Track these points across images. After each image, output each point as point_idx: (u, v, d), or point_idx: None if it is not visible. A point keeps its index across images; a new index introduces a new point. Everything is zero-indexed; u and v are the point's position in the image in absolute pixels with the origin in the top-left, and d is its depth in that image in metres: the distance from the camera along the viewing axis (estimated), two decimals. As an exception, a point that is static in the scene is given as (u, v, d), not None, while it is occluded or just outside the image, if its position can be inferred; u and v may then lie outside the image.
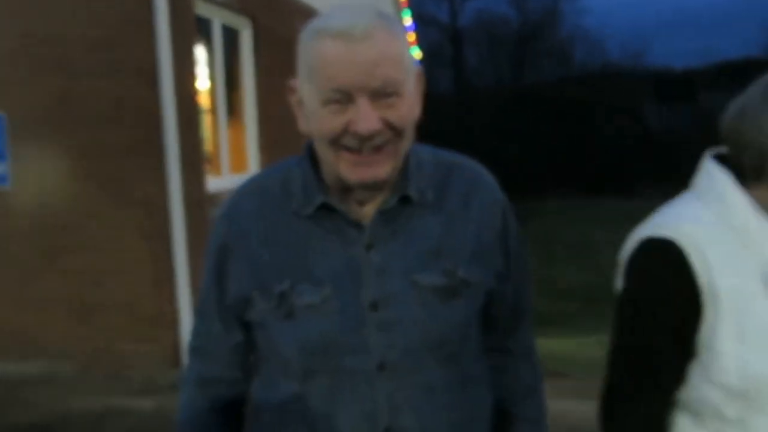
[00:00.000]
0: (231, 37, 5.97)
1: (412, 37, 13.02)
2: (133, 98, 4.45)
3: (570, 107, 22.44)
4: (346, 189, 1.09)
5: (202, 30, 5.38)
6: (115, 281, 4.57)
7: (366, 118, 0.99)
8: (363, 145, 1.01)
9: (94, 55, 4.44)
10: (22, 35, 4.56)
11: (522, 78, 25.56)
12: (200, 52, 5.37)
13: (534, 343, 1.32)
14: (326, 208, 1.10)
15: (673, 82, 24.46)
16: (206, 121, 5.58)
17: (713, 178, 1.12)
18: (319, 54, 1.00)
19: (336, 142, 1.02)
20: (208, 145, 5.59)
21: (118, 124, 4.47)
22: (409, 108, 1.05)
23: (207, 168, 5.36)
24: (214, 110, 5.71)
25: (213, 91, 5.70)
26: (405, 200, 1.10)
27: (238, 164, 6.09)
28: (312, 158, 1.13)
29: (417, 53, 13.40)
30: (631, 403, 1.12)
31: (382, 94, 1.00)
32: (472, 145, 21.88)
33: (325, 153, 1.05)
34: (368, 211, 1.10)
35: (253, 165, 6.18)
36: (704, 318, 1.06)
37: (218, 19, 5.65)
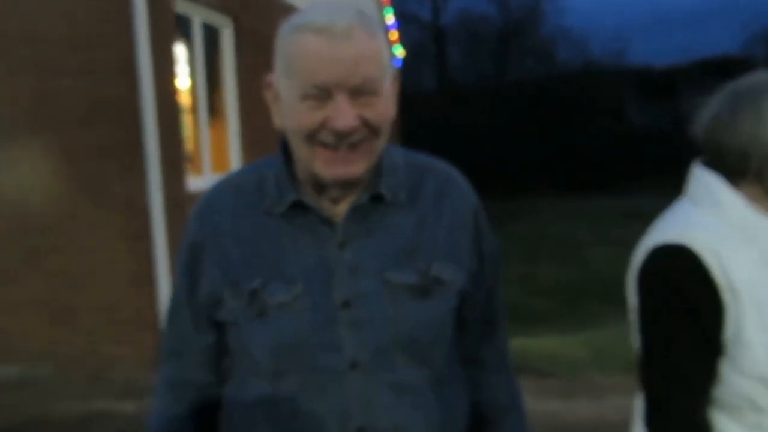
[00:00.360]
0: (212, 35, 5.92)
1: (394, 35, 12.99)
2: (112, 98, 4.40)
3: (552, 105, 22.54)
4: (319, 186, 1.08)
5: (182, 28, 5.32)
6: (95, 283, 4.52)
7: (344, 114, 0.99)
8: (339, 141, 1.01)
9: (72, 55, 4.38)
10: (0, 35, 4.48)
11: (505, 76, 25.64)
12: (180, 51, 5.31)
13: (510, 356, 1.29)
14: (299, 206, 1.09)
15: (654, 80, 24.65)
16: (187, 120, 5.52)
17: (706, 184, 1.20)
18: (299, 49, 1.00)
19: (312, 137, 1.02)
20: (189, 145, 5.54)
21: (97, 123, 4.41)
22: (385, 107, 1.05)
23: (188, 168, 5.31)
24: (195, 109, 5.66)
25: (194, 90, 5.64)
26: (377, 199, 1.10)
27: (220, 164, 6.03)
28: (286, 156, 1.13)
29: (400, 51, 13.38)
30: (669, 409, 1.15)
31: (360, 92, 1.00)
32: (455, 142, 21.92)
33: (300, 149, 1.05)
34: (341, 210, 1.10)
35: (234, 164, 6.14)
36: (727, 314, 1.11)
37: (199, 17, 5.60)
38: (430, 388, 1.11)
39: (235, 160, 6.17)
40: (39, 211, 4.56)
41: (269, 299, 1.07)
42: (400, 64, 13.77)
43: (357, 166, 1.04)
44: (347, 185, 1.07)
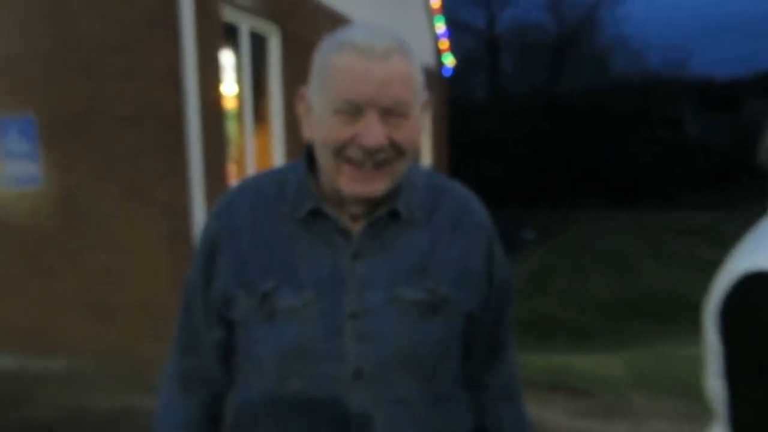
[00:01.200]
0: (259, 43, 6.01)
1: (445, 44, 12.95)
2: (157, 102, 4.50)
3: (607, 117, 22.09)
4: (340, 200, 1.11)
5: (229, 36, 5.42)
6: (135, 282, 4.62)
7: (373, 132, 1.01)
8: (366, 159, 1.04)
9: (119, 59, 4.50)
10: (50, 38, 4.64)
11: (559, 86, 25.27)
12: (227, 58, 5.41)
13: (517, 382, 1.29)
14: (317, 214, 1.12)
15: (715, 91, 23.88)
16: (233, 125, 5.62)
17: None
18: (337, 65, 1.03)
19: (340, 153, 1.04)
20: (234, 150, 5.63)
21: (141, 126, 4.52)
22: (413, 131, 1.07)
23: (233, 171, 5.39)
24: (240, 115, 5.75)
25: (240, 96, 5.74)
26: (394, 215, 1.12)
27: (264, 168, 6.10)
28: (309, 163, 1.16)
29: (450, 60, 13.33)
30: None
31: (391, 112, 1.03)
32: (506, 152, 21.71)
33: (326, 162, 1.07)
34: (358, 222, 1.13)
35: (278, 170, 6.19)
36: None
37: (246, 25, 5.69)
38: (430, 405, 1.12)
39: (278, 166, 6.23)
40: (84, 210, 4.70)
41: (279, 303, 1.09)
42: (450, 73, 13.71)
43: (380, 185, 1.07)
44: (367, 203, 1.09)
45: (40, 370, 4.67)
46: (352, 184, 1.06)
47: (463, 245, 1.16)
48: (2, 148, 4.85)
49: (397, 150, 1.05)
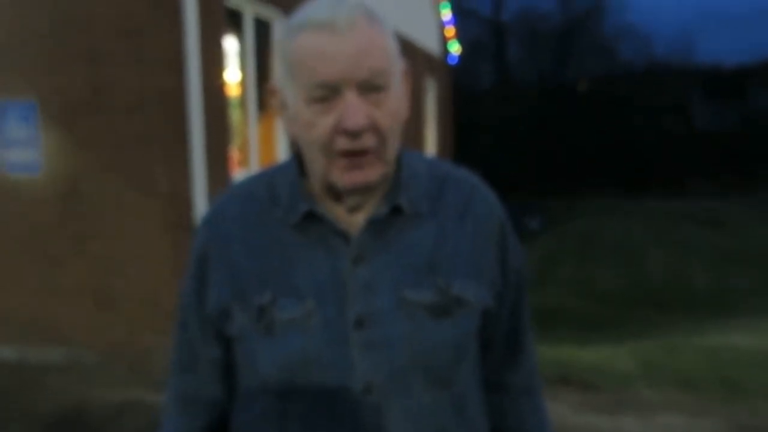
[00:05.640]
0: (263, 29, 5.92)
1: (451, 31, 12.83)
2: (159, 88, 4.42)
3: (614, 104, 21.99)
4: (335, 196, 1.03)
5: (233, 22, 5.33)
6: (138, 272, 4.56)
7: (354, 111, 0.93)
8: (353, 143, 0.95)
9: (122, 44, 4.42)
10: (51, 23, 4.56)
11: (565, 74, 25.12)
12: (231, 44, 5.32)
13: (537, 379, 1.21)
14: (312, 217, 1.03)
15: (721, 79, 23.71)
16: (236, 113, 5.54)
17: None
18: (300, 49, 0.94)
19: (328, 148, 0.96)
20: (237, 138, 5.56)
21: (143, 113, 4.45)
22: (395, 105, 0.99)
23: (236, 160, 5.32)
24: (244, 102, 5.68)
25: (244, 83, 5.66)
26: (396, 211, 1.03)
27: (268, 157, 6.04)
28: (299, 162, 1.07)
29: (456, 48, 13.21)
30: None
31: (369, 86, 0.94)
32: (512, 140, 21.63)
33: (315, 159, 0.99)
34: (357, 221, 1.03)
35: (282, 158, 6.13)
36: None
37: (250, 10, 5.60)
38: (449, 412, 1.05)
39: (282, 155, 6.17)
40: (84, 199, 4.63)
41: (278, 315, 1.01)
42: (456, 61, 13.59)
43: (374, 171, 0.99)
44: (363, 192, 1.01)
45: (41, 361, 4.63)
46: (346, 174, 0.98)
47: (473, 236, 1.07)
48: (2, 133, 4.78)
49: (380, 134, 0.97)
